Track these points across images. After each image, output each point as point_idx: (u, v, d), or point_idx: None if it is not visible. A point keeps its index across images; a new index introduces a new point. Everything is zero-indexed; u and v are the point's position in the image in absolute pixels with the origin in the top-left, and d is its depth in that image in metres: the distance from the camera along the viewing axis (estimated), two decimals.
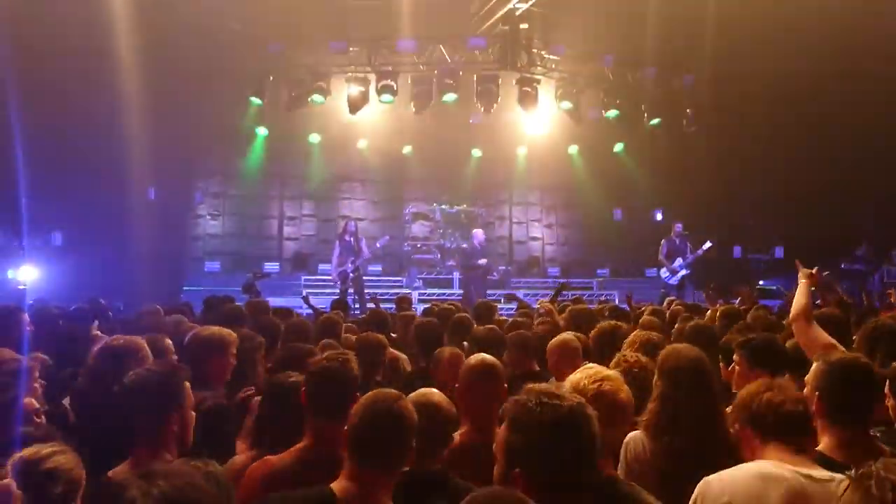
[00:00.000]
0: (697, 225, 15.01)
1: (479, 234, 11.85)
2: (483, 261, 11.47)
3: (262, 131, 14.90)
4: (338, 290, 10.18)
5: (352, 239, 10.17)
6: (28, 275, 9.97)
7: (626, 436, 2.58)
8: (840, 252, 12.10)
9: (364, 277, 11.55)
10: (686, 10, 11.63)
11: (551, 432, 1.75)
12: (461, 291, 12.14)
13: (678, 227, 11.09)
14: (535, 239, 17.59)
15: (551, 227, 17.85)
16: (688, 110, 14.68)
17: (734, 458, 2.28)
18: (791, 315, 3.81)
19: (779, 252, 14.17)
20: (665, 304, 7.85)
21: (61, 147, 10.52)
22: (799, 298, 3.76)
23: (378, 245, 10.53)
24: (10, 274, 10.08)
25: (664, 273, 10.86)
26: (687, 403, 2.59)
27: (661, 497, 2.14)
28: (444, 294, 13.12)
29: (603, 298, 13.29)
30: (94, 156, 11.11)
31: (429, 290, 13.39)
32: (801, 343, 3.63)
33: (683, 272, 10.75)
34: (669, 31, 12.51)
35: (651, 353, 3.15)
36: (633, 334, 3.77)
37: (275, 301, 9.61)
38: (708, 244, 10.69)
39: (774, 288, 13.55)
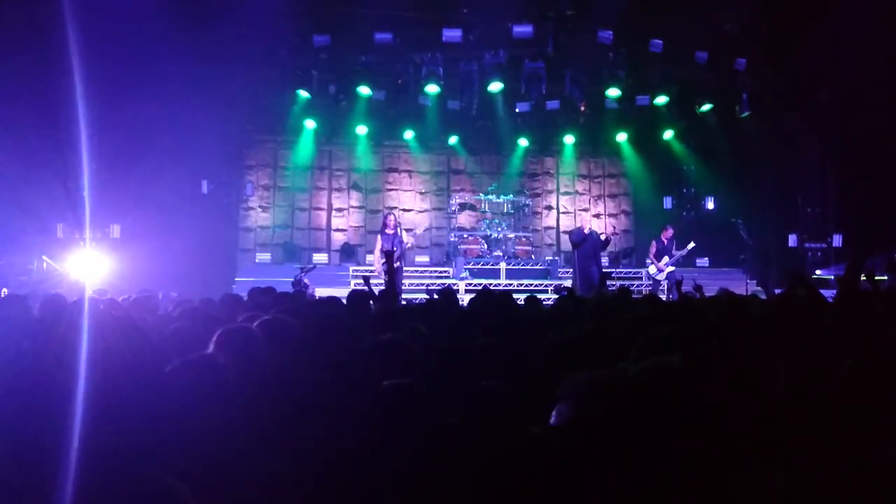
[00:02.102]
0: (750, 212, 14.61)
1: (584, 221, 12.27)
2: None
3: (310, 125, 15.13)
4: (382, 282, 10.29)
5: (393, 231, 10.32)
6: (86, 267, 10.34)
7: None
8: None
9: (410, 268, 11.68)
10: None
11: None
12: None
13: (669, 230, 12.10)
14: None
15: (600, 217, 17.62)
16: (742, 95, 14.25)
17: None
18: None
19: (837, 240, 13.66)
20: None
21: (118, 142, 10.86)
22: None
23: (413, 236, 10.73)
24: (69, 267, 10.48)
25: (652, 270, 11.80)
26: None
27: None
28: (489, 284, 13.11)
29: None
30: (149, 150, 11.45)
31: (475, 281, 13.40)
32: None
33: (669, 269, 11.73)
34: (720, 13, 12.17)
35: None
36: None
37: (323, 291, 9.84)
38: (692, 245, 11.79)
39: (832, 278, 13.10)
